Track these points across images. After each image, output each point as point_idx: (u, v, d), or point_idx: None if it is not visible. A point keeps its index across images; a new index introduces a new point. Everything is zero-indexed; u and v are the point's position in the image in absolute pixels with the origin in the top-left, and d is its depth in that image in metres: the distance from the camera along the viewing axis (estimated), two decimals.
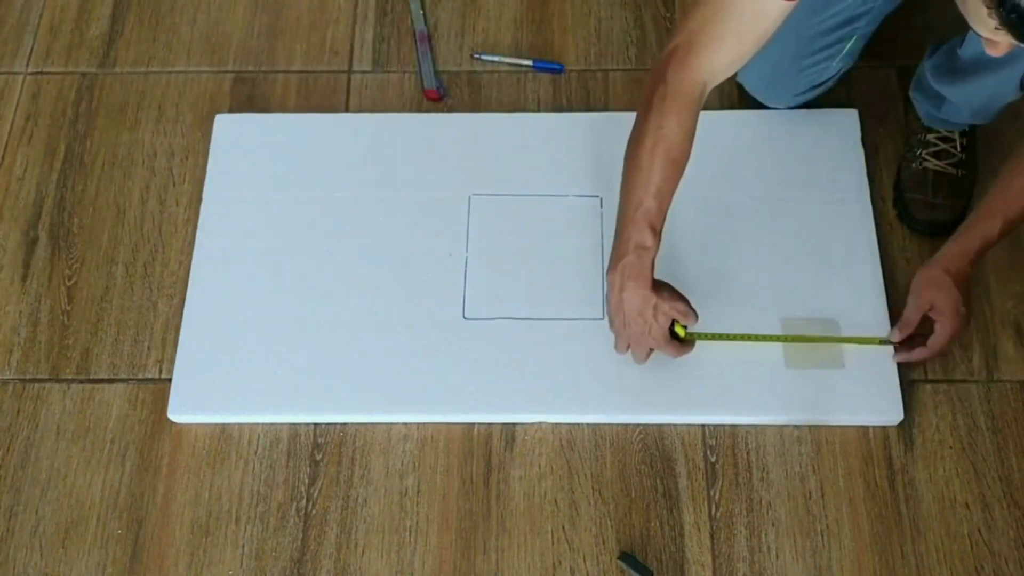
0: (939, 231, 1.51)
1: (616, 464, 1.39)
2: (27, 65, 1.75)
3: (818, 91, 1.55)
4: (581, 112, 1.66)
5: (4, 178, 1.64)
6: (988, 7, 0.94)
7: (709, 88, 1.25)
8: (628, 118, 1.61)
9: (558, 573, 1.33)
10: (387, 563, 1.34)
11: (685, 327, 1.36)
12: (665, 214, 1.28)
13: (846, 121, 1.60)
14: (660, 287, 1.32)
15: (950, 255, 1.36)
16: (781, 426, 1.41)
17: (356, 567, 1.34)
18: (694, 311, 1.34)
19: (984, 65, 1.36)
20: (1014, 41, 0.98)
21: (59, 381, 1.48)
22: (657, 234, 1.27)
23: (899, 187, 1.56)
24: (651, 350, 1.38)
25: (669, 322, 1.34)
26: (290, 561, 1.35)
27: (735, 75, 1.57)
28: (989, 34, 0.99)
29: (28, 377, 1.48)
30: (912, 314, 1.39)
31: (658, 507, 1.37)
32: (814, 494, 1.37)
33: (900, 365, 1.42)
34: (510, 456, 1.41)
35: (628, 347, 1.39)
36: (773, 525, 1.35)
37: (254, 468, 1.41)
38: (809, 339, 1.42)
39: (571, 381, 1.42)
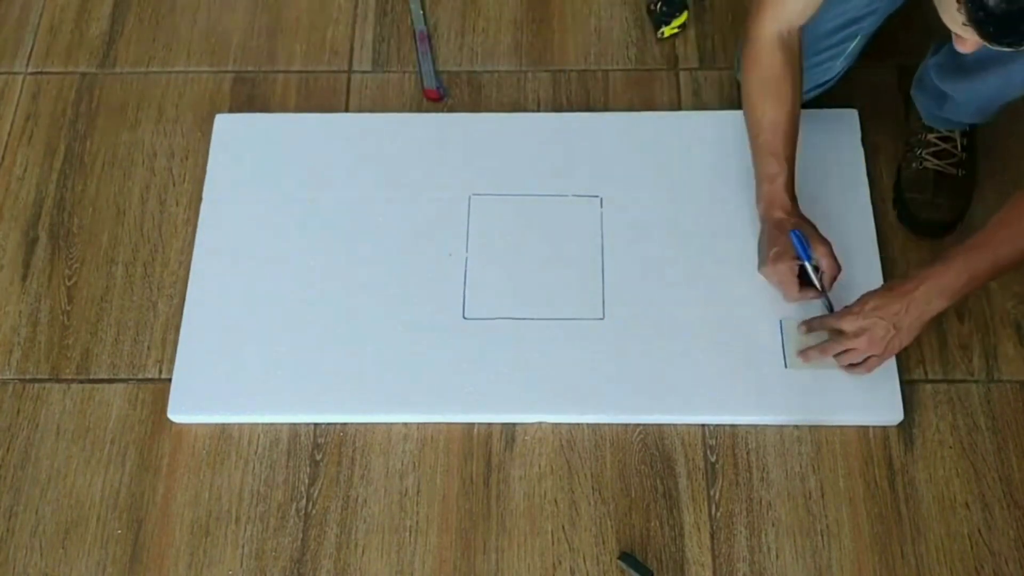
0: (939, 231, 1.52)
1: (616, 464, 1.39)
2: (27, 65, 1.75)
3: (820, 91, 1.55)
4: (581, 112, 1.66)
5: (4, 178, 1.64)
6: (957, 1, 0.96)
7: (794, 31, 1.37)
8: (628, 118, 1.63)
9: (558, 573, 1.33)
10: (387, 563, 1.34)
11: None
12: (787, 142, 1.38)
13: (846, 121, 1.60)
14: (807, 221, 1.38)
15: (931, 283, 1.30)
16: (781, 426, 1.41)
17: (356, 567, 1.34)
18: (836, 260, 1.37)
19: (991, 62, 1.36)
20: (979, 39, 0.99)
21: (59, 381, 1.48)
22: (782, 160, 1.37)
23: (899, 187, 1.56)
24: (800, 282, 1.39)
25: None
26: (290, 561, 1.35)
27: (736, 75, 1.58)
28: (958, 29, 1.01)
29: (28, 377, 1.48)
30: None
31: (658, 507, 1.37)
32: (814, 494, 1.37)
33: (901, 365, 1.42)
34: (510, 456, 1.41)
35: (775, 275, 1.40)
36: (773, 525, 1.35)
37: (254, 468, 1.41)
38: None
39: (571, 381, 1.42)
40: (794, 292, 1.40)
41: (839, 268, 1.38)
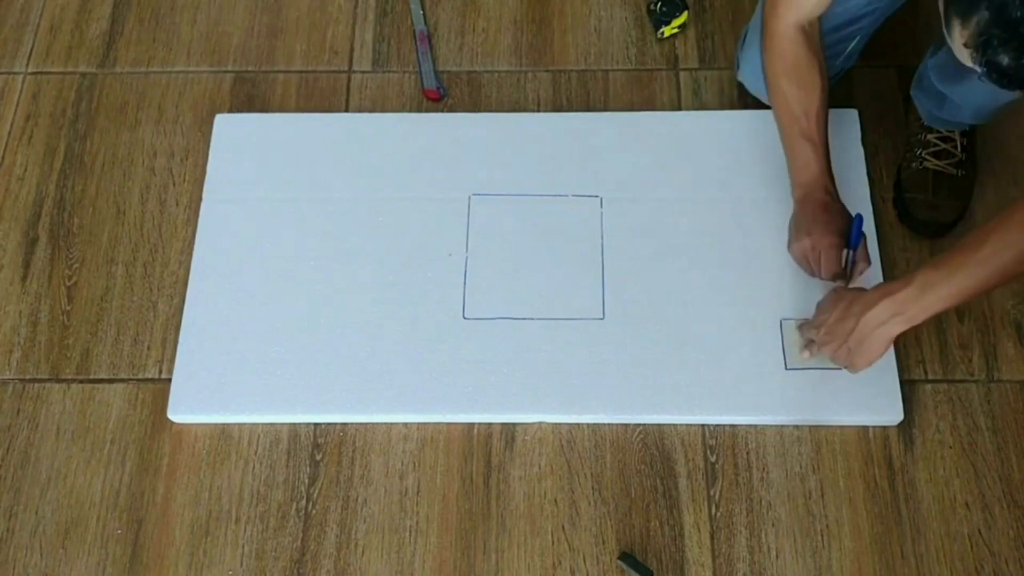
0: (939, 231, 1.52)
1: (616, 464, 1.39)
2: (27, 65, 1.75)
3: None
4: (581, 112, 1.66)
5: (4, 178, 1.64)
6: (974, 62, 1.00)
7: (814, 21, 1.36)
8: (628, 118, 1.64)
9: (558, 573, 1.33)
10: (387, 563, 1.34)
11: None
12: (820, 127, 1.38)
13: (846, 121, 1.60)
14: (839, 210, 1.38)
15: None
16: (781, 426, 1.41)
17: (356, 567, 1.34)
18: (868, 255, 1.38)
19: None
20: None
21: (59, 381, 1.48)
22: (818, 145, 1.37)
23: (899, 187, 1.56)
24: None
25: (834, 241, 1.36)
26: (290, 561, 1.35)
27: (737, 76, 1.58)
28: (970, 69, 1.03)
29: (28, 377, 1.48)
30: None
31: (658, 507, 1.37)
32: (814, 494, 1.37)
33: (901, 364, 1.42)
34: (510, 456, 1.41)
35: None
36: (773, 525, 1.35)
37: (254, 468, 1.41)
38: None
39: (571, 381, 1.42)
40: (834, 268, 1.36)
41: (869, 263, 1.39)
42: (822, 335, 1.33)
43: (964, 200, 1.54)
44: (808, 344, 1.39)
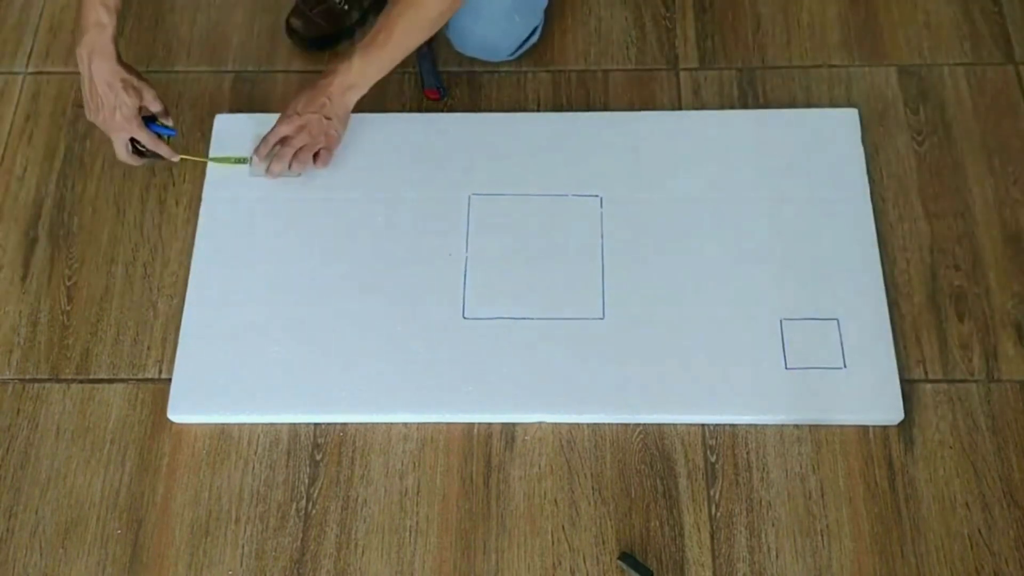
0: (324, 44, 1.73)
1: (616, 464, 1.39)
2: (27, 65, 1.75)
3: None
4: (581, 112, 1.66)
5: (4, 178, 1.64)
6: None
7: None
8: (628, 118, 1.64)
9: (558, 573, 1.33)
10: (387, 563, 1.34)
11: (169, 126, 1.51)
12: None
13: (846, 121, 1.60)
14: (131, 68, 1.45)
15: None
16: (781, 426, 1.41)
17: (356, 567, 1.34)
18: (164, 104, 1.49)
19: None
20: None
21: (59, 381, 1.48)
22: (112, 11, 1.41)
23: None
24: (131, 141, 1.49)
25: (139, 101, 1.45)
26: (290, 561, 1.35)
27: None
28: None
29: (28, 377, 1.48)
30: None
31: (658, 507, 1.37)
32: (814, 494, 1.37)
33: (901, 364, 1.42)
34: (510, 456, 1.41)
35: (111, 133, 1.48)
36: (773, 525, 1.35)
37: (254, 468, 1.41)
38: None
39: (571, 381, 1.42)
40: (124, 155, 1.51)
41: (166, 109, 1.50)
42: (297, 131, 1.50)
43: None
44: (268, 168, 1.54)
